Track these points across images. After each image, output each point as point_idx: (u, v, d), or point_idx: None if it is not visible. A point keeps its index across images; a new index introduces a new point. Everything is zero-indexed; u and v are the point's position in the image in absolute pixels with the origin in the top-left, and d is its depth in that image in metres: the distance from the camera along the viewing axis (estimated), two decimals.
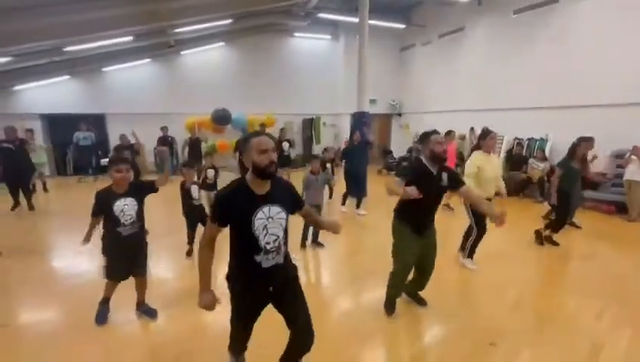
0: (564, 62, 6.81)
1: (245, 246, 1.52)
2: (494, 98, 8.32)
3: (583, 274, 3.57)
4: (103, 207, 2.34)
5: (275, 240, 1.56)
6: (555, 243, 4.19)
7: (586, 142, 4.11)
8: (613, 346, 2.30)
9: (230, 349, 1.82)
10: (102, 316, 2.54)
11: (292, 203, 1.68)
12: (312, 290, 3.27)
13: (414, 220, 2.48)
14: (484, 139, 3.49)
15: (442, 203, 5.88)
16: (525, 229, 4.78)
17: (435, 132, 2.48)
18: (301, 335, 1.67)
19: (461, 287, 3.30)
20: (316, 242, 4.15)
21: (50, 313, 2.83)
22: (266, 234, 1.52)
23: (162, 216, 5.40)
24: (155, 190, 2.54)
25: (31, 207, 6.05)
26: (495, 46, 8.36)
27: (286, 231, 1.62)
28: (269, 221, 1.53)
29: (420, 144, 2.52)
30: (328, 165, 6.23)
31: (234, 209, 1.48)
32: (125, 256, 2.45)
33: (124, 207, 2.36)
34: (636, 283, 3.31)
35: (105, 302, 2.58)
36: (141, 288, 2.64)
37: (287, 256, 1.68)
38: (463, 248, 3.70)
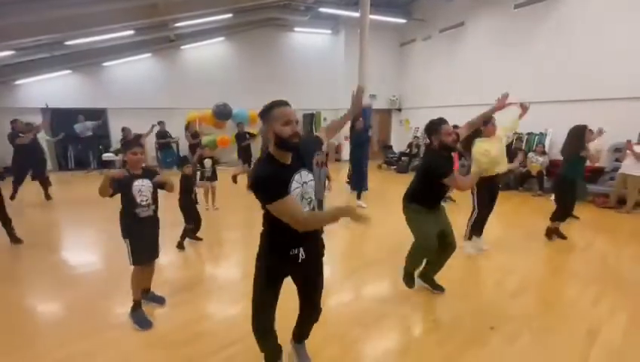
0: (565, 56, 6.84)
1: None
2: (494, 93, 8.31)
3: (581, 263, 3.64)
4: (122, 185, 2.33)
5: (310, 202, 1.57)
6: (563, 237, 4.15)
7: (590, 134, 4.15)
8: (609, 331, 2.36)
9: (256, 331, 1.70)
10: (144, 321, 2.42)
11: (314, 152, 1.73)
12: None
13: (430, 201, 2.62)
14: (485, 126, 3.55)
15: (445, 195, 5.97)
16: (524, 221, 4.85)
17: (443, 121, 2.50)
18: (313, 309, 1.79)
19: (461, 275, 3.36)
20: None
21: (60, 300, 2.89)
22: (302, 200, 1.52)
23: (166, 207, 5.44)
24: (162, 185, 2.54)
25: (48, 197, 6.22)
26: (496, 40, 8.37)
27: (315, 191, 1.64)
28: (303, 187, 1.53)
29: (429, 135, 2.55)
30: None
31: (277, 181, 1.43)
32: (145, 237, 2.46)
33: (142, 188, 2.39)
34: (632, 273, 3.38)
35: (138, 307, 2.48)
36: (149, 275, 2.68)
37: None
38: (470, 237, 3.77)
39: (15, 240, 4.03)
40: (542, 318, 2.54)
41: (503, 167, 3.62)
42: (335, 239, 4.20)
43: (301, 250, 1.58)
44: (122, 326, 2.43)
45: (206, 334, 2.34)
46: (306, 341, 2.01)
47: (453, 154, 2.74)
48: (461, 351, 2.16)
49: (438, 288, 2.86)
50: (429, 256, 2.72)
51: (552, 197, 4.61)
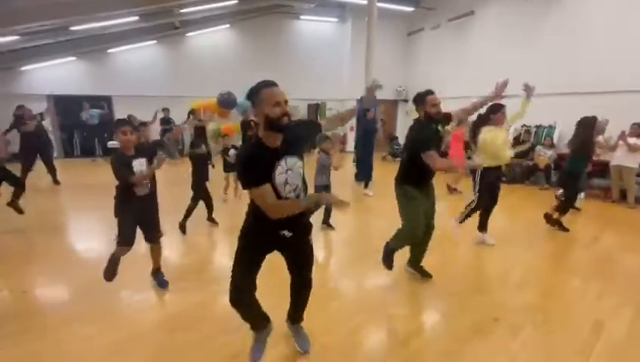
0: (576, 47, 6.67)
1: None
2: None
3: (586, 257, 3.61)
4: (124, 168, 2.34)
5: (295, 189, 1.57)
6: (565, 229, 4.12)
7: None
8: (614, 324, 2.35)
9: (233, 301, 1.65)
10: (112, 268, 2.49)
11: (312, 137, 1.71)
12: (321, 266, 3.34)
13: (421, 180, 2.58)
14: (496, 114, 3.50)
15: (451, 186, 5.89)
16: (530, 215, 4.81)
17: (429, 92, 2.49)
18: (303, 284, 1.83)
19: (467, 266, 3.36)
20: (327, 224, 4.18)
21: (66, 282, 2.93)
22: (286, 186, 1.52)
23: (168, 195, 5.48)
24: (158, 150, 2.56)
25: (57, 182, 6.31)
26: (505, 31, 8.17)
27: (304, 178, 1.63)
28: (288, 173, 1.52)
29: (416, 107, 2.54)
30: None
31: (258, 167, 1.44)
32: (139, 217, 2.47)
33: (141, 167, 2.40)
34: (637, 267, 3.34)
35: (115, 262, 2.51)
36: (156, 254, 2.72)
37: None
38: (481, 227, 3.74)
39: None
40: (546, 311, 2.52)
41: (506, 157, 3.56)
42: (339, 228, 4.20)
43: (286, 231, 1.60)
44: (124, 310, 2.47)
45: (207, 319, 2.36)
46: (307, 326, 2.02)
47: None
48: (464, 341, 2.16)
49: (426, 275, 2.85)
50: (414, 242, 2.73)
51: (558, 192, 4.55)
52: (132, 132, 2.39)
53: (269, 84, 1.45)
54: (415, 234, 2.61)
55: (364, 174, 5.98)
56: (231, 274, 1.67)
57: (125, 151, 2.39)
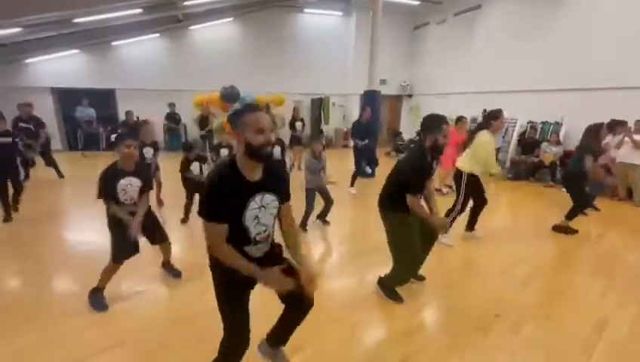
0: (585, 42, 6.54)
1: (233, 237, 1.35)
2: (509, 80, 8.08)
3: (591, 255, 3.58)
4: (109, 187, 2.25)
5: (265, 230, 1.43)
6: (574, 231, 3.97)
7: (621, 126, 3.98)
8: (617, 322, 2.33)
9: (232, 356, 1.52)
10: (101, 303, 2.34)
11: (285, 192, 1.50)
12: (319, 264, 3.34)
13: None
14: (497, 120, 3.43)
15: (445, 184, 5.81)
16: (534, 211, 4.77)
17: (444, 120, 2.30)
18: (299, 305, 1.57)
19: (468, 263, 3.34)
20: (323, 220, 4.17)
21: (69, 274, 2.96)
22: (256, 225, 1.38)
23: (171, 190, 5.49)
24: (149, 188, 2.48)
25: (61, 175, 6.39)
26: (513, 25, 8.03)
27: (275, 218, 1.48)
28: (260, 210, 1.38)
29: (424, 130, 2.31)
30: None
31: (225, 201, 1.28)
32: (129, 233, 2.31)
33: (127, 187, 2.29)
34: None
35: (99, 292, 2.38)
36: (166, 251, 2.77)
37: (272, 241, 1.54)
38: (469, 227, 3.76)
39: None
40: (549, 308, 2.51)
41: (495, 166, 3.54)
42: (339, 224, 4.19)
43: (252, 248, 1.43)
44: (126, 302, 2.48)
45: (209, 312, 2.36)
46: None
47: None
48: (464, 337, 2.15)
49: (420, 278, 2.79)
50: (415, 270, 2.58)
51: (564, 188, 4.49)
52: (136, 147, 2.33)
53: (255, 108, 1.35)
54: (416, 263, 2.48)
55: (354, 175, 5.86)
56: (224, 325, 1.48)
57: (123, 166, 2.29)
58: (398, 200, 2.31)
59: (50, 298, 2.59)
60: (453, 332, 2.20)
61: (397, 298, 2.53)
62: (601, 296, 2.67)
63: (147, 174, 2.50)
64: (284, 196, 1.50)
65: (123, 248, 2.33)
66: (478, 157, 3.42)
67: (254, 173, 1.35)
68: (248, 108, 1.35)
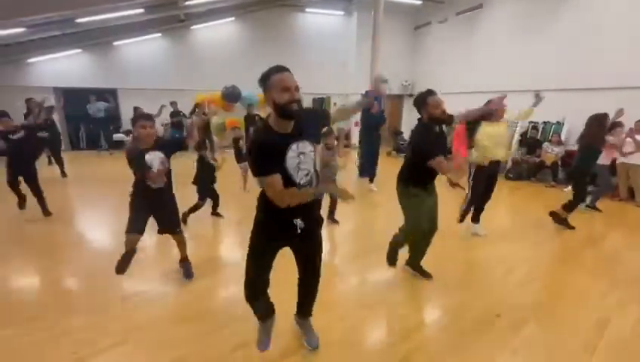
0: (588, 42, 6.51)
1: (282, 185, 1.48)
2: (511, 79, 8.05)
3: (592, 255, 3.57)
4: (140, 162, 2.36)
5: (307, 174, 1.54)
6: (571, 227, 4.08)
7: (620, 127, 4.00)
8: (618, 322, 2.33)
9: (248, 297, 1.73)
10: (125, 263, 2.50)
11: (321, 126, 1.67)
12: (324, 261, 3.35)
13: (425, 181, 2.53)
14: (496, 110, 3.45)
15: (452, 183, 5.81)
16: (536, 212, 4.76)
17: (430, 93, 2.41)
18: (312, 277, 1.82)
19: (469, 263, 3.34)
20: (332, 218, 4.17)
21: (76, 272, 2.98)
22: (299, 171, 1.50)
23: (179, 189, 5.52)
24: (183, 146, 2.60)
25: (64, 174, 6.46)
26: (515, 25, 8.02)
27: (315, 163, 1.60)
28: (300, 157, 1.49)
29: (418, 109, 2.46)
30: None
31: (266, 155, 1.42)
32: (153, 209, 2.52)
33: (154, 160, 2.40)
34: None
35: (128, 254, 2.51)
36: (180, 245, 2.77)
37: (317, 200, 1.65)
38: (474, 219, 3.81)
39: (47, 212, 4.28)
40: (549, 308, 2.51)
41: (502, 153, 3.55)
42: (343, 223, 4.20)
43: (299, 220, 1.57)
44: (131, 300, 2.50)
45: (213, 310, 2.39)
46: (291, 331, 2.04)
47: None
48: (465, 336, 2.16)
49: (426, 275, 2.82)
50: (418, 237, 2.71)
51: (567, 188, 4.50)
52: (152, 126, 2.41)
53: (281, 69, 1.41)
54: (419, 227, 2.59)
55: (367, 169, 5.94)
56: (245, 270, 1.68)
57: (142, 145, 2.40)
58: (409, 176, 2.52)
59: (53, 296, 2.61)
60: (453, 332, 2.21)
61: (391, 259, 2.86)
62: (602, 296, 2.67)
63: (167, 144, 2.56)
64: (324, 124, 1.71)
65: (134, 222, 2.47)
66: (484, 147, 3.42)
67: (286, 127, 1.46)
68: (275, 69, 1.42)
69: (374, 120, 5.76)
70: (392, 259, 2.87)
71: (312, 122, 1.58)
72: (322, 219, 1.78)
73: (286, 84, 1.37)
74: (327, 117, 1.74)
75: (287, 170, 1.46)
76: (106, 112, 9.21)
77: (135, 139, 2.43)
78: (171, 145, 2.58)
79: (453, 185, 5.88)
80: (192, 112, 8.14)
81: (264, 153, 1.41)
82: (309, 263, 1.80)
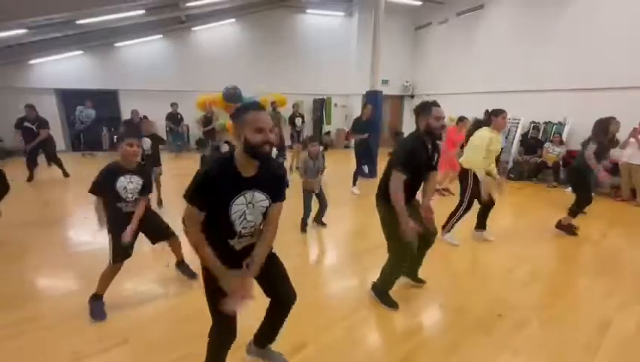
0: (587, 42, 6.51)
1: (218, 230, 1.40)
2: (512, 80, 8.06)
3: (594, 256, 3.56)
4: (105, 183, 2.22)
5: (252, 226, 1.45)
6: (574, 233, 3.93)
7: (615, 120, 3.97)
8: (621, 322, 2.31)
9: (219, 344, 1.57)
10: (100, 311, 2.26)
11: (276, 192, 1.48)
12: (316, 265, 3.35)
13: (412, 193, 2.37)
14: (498, 117, 3.41)
15: (442, 187, 5.74)
16: (537, 213, 4.75)
17: (435, 103, 2.32)
18: (285, 298, 1.60)
19: (471, 264, 3.33)
20: (320, 222, 4.12)
21: (73, 273, 2.98)
22: (242, 220, 1.40)
23: (174, 188, 5.51)
24: (148, 192, 2.44)
25: (66, 174, 6.46)
26: (516, 25, 8.01)
27: (264, 215, 1.48)
28: (248, 207, 1.40)
29: (417, 115, 2.36)
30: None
31: (216, 192, 1.32)
32: (136, 230, 2.32)
33: (128, 185, 2.26)
34: None
35: (99, 299, 2.30)
36: (176, 248, 2.73)
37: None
38: (479, 227, 3.75)
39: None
40: (551, 308, 2.50)
41: (492, 163, 3.51)
42: (340, 223, 4.19)
43: (234, 241, 1.44)
44: (128, 301, 2.50)
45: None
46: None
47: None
48: (466, 336, 2.15)
49: (419, 281, 2.75)
50: (406, 261, 2.48)
51: (568, 189, 4.47)
52: (139, 145, 2.30)
53: (257, 107, 1.37)
54: (408, 253, 2.38)
55: (355, 175, 5.81)
56: (211, 314, 1.50)
57: (124, 164, 2.27)
58: (388, 190, 2.23)
59: (53, 296, 2.61)
60: (454, 332, 2.20)
61: (391, 303, 2.44)
62: (604, 296, 2.66)
63: (148, 176, 2.45)
64: (276, 196, 1.49)
65: (121, 249, 2.27)
66: (480, 148, 3.36)
67: (249, 169, 1.38)
68: (252, 107, 1.38)
69: (366, 126, 5.69)
70: (388, 302, 2.47)
71: (275, 177, 1.48)
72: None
73: (261, 125, 1.31)
74: (281, 193, 1.53)
75: (229, 216, 1.37)
76: (91, 122, 9.16)
77: (121, 156, 2.26)
78: (148, 175, 2.44)
79: (442, 191, 5.70)
80: (203, 124, 8.19)
81: (207, 188, 1.31)
82: (277, 288, 1.60)
